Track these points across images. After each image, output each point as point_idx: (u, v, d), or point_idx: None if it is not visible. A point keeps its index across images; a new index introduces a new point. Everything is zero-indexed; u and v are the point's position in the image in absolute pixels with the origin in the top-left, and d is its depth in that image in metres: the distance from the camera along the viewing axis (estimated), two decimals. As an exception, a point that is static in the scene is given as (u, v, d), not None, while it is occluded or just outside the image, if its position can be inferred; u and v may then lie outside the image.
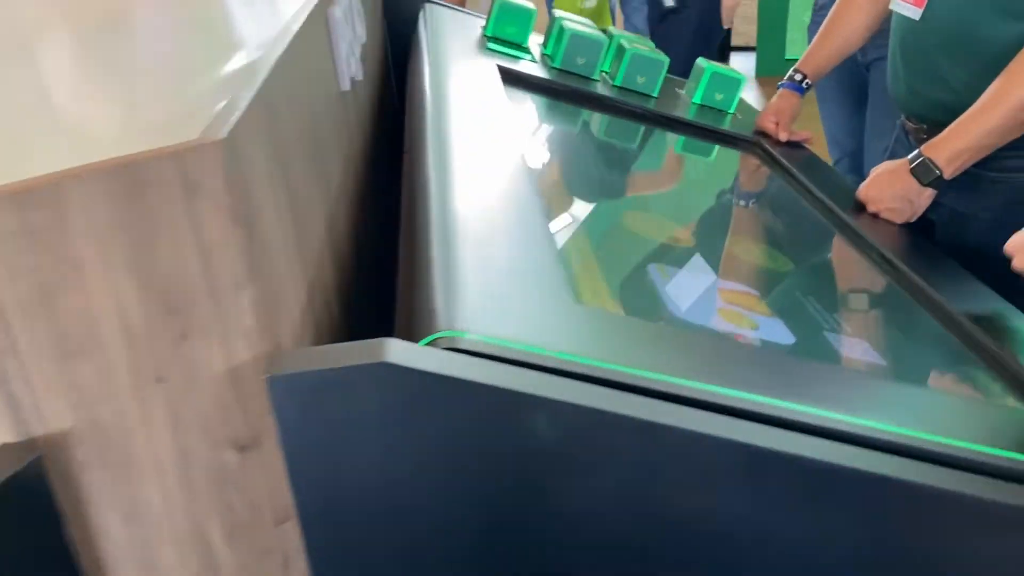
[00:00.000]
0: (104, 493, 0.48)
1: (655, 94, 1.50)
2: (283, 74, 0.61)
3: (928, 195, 1.16)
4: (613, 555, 0.59)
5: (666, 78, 1.53)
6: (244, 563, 0.54)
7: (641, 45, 1.56)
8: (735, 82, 1.55)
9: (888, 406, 0.67)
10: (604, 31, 1.59)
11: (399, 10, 1.58)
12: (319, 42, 0.84)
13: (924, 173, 1.15)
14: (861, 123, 2.12)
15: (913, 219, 1.18)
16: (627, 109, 1.43)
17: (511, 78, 1.32)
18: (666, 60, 1.50)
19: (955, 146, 1.12)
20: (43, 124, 0.45)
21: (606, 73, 1.53)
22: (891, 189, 1.16)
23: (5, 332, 0.42)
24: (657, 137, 1.44)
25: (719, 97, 1.56)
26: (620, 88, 1.48)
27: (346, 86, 0.94)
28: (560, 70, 1.46)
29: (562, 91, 1.41)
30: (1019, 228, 0.94)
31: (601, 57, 1.48)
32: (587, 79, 1.47)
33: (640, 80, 1.49)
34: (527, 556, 0.58)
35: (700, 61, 1.57)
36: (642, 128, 1.44)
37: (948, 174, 1.14)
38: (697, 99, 1.55)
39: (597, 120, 1.43)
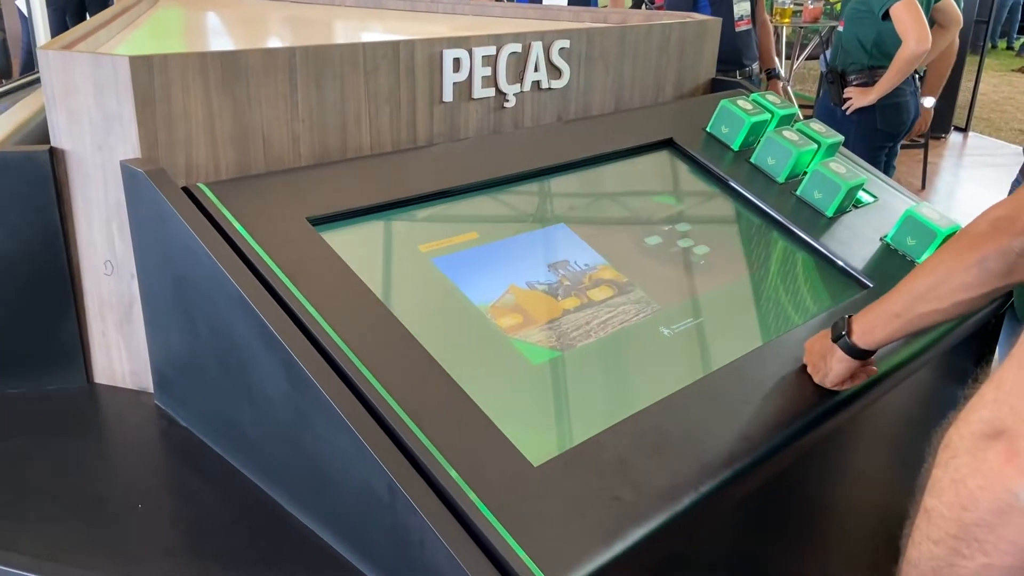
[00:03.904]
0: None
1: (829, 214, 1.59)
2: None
3: (839, 359, 1.15)
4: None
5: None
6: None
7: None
8: (932, 234, 1.53)
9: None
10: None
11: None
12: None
13: (836, 330, 1.17)
14: None
15: (826, 383, 1.17)
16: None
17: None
18: (844, 184, 1.57)
19: (867, 317, 1.15)
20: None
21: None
22: (818, 344, 1.20)
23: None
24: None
25: (911, 242, 1.56)
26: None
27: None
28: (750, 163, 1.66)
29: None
30: None
31: (790, 164, 1.63)
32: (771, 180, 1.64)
33: (817, 196, 1.60)
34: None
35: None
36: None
37: (856, 337, 1.14)
38: (888, 237, 1.58)
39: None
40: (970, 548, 0.66)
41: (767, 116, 1.71)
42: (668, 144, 1.67)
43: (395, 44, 1.32)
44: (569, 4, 5.08)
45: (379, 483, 0.87)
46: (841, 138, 1.76)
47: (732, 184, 1.61)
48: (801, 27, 6.97)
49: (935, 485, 0.69)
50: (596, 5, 5.17)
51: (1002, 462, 0.63)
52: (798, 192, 1.62)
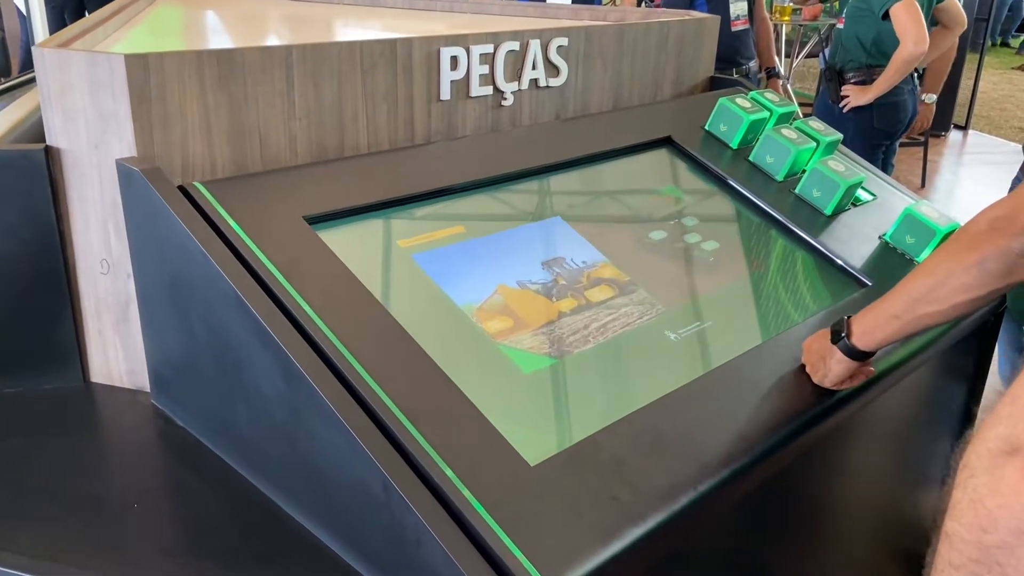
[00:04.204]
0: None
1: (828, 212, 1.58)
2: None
3: (838, 360, 1.14)
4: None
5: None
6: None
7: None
8: (931, 232, 1.53)
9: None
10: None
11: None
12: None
13: (835, 332, 1.16)
14: None
15: (825, 383, 1.16)
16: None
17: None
18: (843, 182, 1.56)
19: (867, 318, 1.14)
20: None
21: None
22: (816, 344, 1.19)
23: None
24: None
25: (910, 241, 1.55)
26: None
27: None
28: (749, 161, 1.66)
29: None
30: None
31: (789, 162, 1.62)
32: (770, 178, 1.63)
33: (816, 194, 1.59)
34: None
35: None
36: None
37: (856, 339, 1.13)
38: (887, 235, 1.57)
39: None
40: (991, 573, 0.64)
41: (765, 114, 1.71)
42: (667, 142, 1.67)
43: (392, 42, 1.32)
44: (573, 2, 5.07)
45: (375, 482, 0.87)
46: (840, 136, 1.75)
47: (731, 182, 1.61)
48: (801, 25, 6.97)
49: (955, 507, 0.67)
50: (599, 3, 5.14)
51: (1019, 479, 0.62)
52: (797, 190, 1.62)
